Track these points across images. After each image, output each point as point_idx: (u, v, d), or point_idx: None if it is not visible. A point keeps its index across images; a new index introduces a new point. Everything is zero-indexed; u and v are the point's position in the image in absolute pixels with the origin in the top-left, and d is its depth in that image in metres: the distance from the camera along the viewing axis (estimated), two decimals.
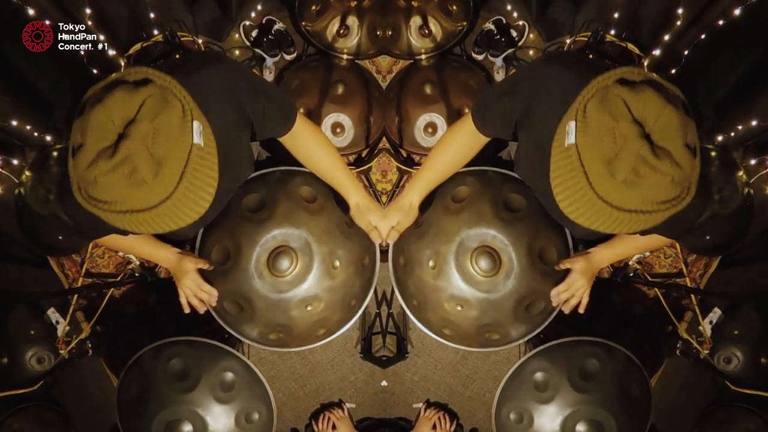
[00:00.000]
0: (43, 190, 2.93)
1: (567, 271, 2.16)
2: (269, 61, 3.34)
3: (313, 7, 3.28)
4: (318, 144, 2.01)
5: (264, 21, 3.36)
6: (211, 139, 1.40)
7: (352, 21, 3.25)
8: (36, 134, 3.02)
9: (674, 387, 3.35)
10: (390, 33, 3.29)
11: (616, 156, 1.26)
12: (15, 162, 3.03)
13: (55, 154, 3.03)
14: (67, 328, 2.93)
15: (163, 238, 2.14)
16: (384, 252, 2.30)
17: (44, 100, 3.07)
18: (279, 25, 3.33)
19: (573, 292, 2.14)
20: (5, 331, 2.98)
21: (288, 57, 3.42)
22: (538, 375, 2.58)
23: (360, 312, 2.22)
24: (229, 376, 2.56)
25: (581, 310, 2.18)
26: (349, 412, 3.22)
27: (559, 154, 1.36)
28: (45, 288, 3.33)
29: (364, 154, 3.29)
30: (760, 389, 2.71)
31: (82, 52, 2.90)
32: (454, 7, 3.27)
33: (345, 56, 3.29)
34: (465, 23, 3.29)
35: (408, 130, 3.14)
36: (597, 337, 2.59)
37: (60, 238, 3.01)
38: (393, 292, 2.30)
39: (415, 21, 3.25)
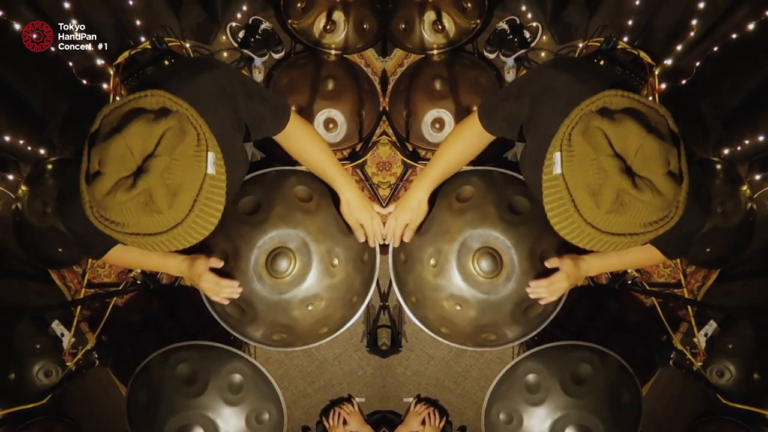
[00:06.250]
0: (40, 203, 2.93)
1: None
2: (258, 61, 3.33)
3: (299, 5, 3.28)
4: (311, 141, 2.02)
5: (250, 21, 3.35)
6: (221, 166, 1.44)
7: (338, 16, 3.25)
8: (30, 148, 3.03)
9: (665, 397, 3.35)
10: (403, 26, 3.29)
11: (600, 188, 1.31)
12: (10, 177, 3.03)
13: (50, 167, 3.02)
14: (73, 339, 2.92)
15: None
16: (384, 246, 2.30)
17: (36, 113, 3.07)
18: (265, 25, 3.33)
19: (551, 292, 2.09)
20: (11, 347, 2.97)
21: (276, 56, 3.41)
22: (530, 377, 2.59)
23: (362, 309, 2.22)
24: (237, 378, 2.57)
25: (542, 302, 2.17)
26: (359, 406, 3.22)
27: (549, 182, 1.42)
28: (48, 301, 3.33)
29: (358, 148, 3.29)
30: (750, 404, 2.71)
31: (71, 63, 2.89)
32: (469, 5, 3.26)
33: (333, 51, 3.29)
34: (479, 21, 3.29)
35: (415, 124, 3.14)
36: (591, 343, 2.60)
37: (60, 250, 3.01)
38: (390, 286, 2.29)
39: (429, 16, 3.24)
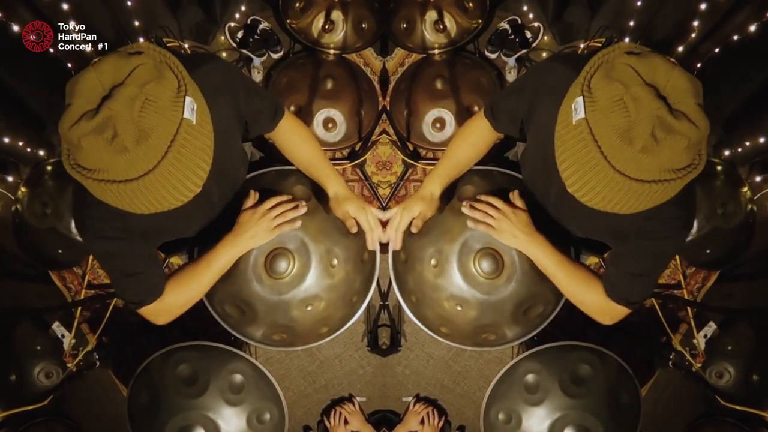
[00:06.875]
0: (39, 205, 2.91)
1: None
2: (256, 61, 3.33)
3: (297, 4, 3.29)
4: (302, 136, 2.01)
5: (249, 21, 3.35)
6: (207, 122, 1.37)
7: (337, 15, 3.26)
8: (29, 150, 3.02)
9: (664, 398, 3.36)
10: (404, 26, 3.29)
11: (632, 124, 1.23)
12: (10, 179, 3.02)
13: (49, 168, 3.01)
14: (73, 341, 2.91)
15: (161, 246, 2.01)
16: (384, 244, 2.29)
17: (35, 115, 3.06)
18: (264, 25, 3.33)
19: (494, 214, 1.93)
20: (11, 348, 2.96)
21: (275, 56, 3.41)
22: (530, 377, 2.59)
23: (362, 308, 2.21)
24: (238, 378, 2.58)
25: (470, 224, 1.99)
26: (360, 405, 3.23)
27: (567, 134, 1.33)
28: (48, 302, 3.33)
29: (357, 147, 3.29)
30: (749, 406, 2.71)
31: (70, 65, 2.89)
32: (471, 5, 3.26)
33: (332, 51, 3.29)
34: (480, 21, 3.29)
35: (416, 123, 3.14)
36: (590, 343, 2.60)
37: (60, 251, 3.00)
38: (390, 285, 2.29)
39: (431, 15, 3.24)
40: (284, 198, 1.98)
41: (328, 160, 2.04)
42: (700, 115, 1.24)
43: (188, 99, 1.31)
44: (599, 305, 1.88)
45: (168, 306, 1.88)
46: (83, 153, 1.23)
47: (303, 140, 2.02)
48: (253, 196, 1.94)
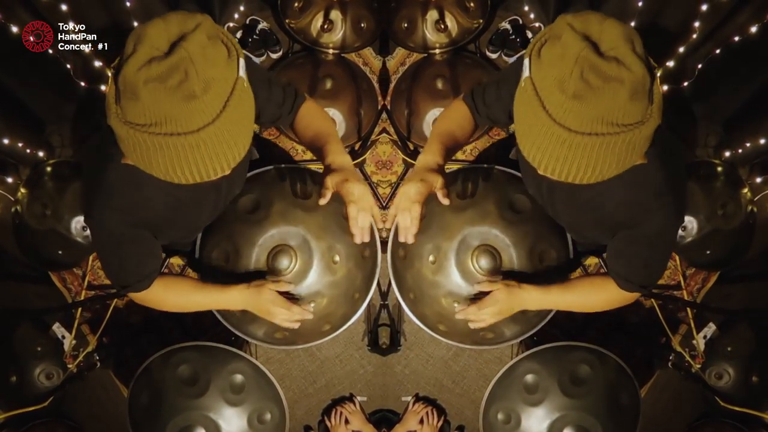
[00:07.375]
0: (39, 206, 2.89)
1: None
2: (255, 61, 3.33)
3: (296, 4, 3.28)
4: (313, 113, 1.94)
5: (247, 21, 3.34)
6: (251, 93, 1.37)
7: (336, 15, 3.25)
8: (28, 151, 3.01)
9: (664, 399, 3.35)
10: (405, 25, 3.29)
11: (564, 70, 1.22)
12: (9, 180, 3.02)
13: (49, 169, 3.00)
14: (74, 341, 2.89)
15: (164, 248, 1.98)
16: (384, 243, 2.30)
17: (34, 116, 3.06)
18: (263, 25, 3.33)
19: (479, 317, 2.01)
20: (12, 350, 2.96)
21: (274, 56, 3.41)
22: (529, 377, 2.59)
23: (364, 305, 2.21)
24: (239, 378, 2.57)
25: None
26: (361, 405, 3.23)
27: (518, 98, 1.34)
28: (48, 303, 3.32)
29: (357, 146, 3.29)
30: (749, 407, 2.71)
31: (69, 66, 2.89)
32: (472, 4, 3.26)
33: (331, 51, 3.29)
34: (481, 21, 3.29)
35: (417, 123, 3.14)
36: (590, 343, 2.60)
37: (60, 252, 2.99)
38: (390, 284, 2.29)
39: (432, 15, 3.24)
40: (309, 312, 2.07)
41: (336, 136, 1.88)
42: (634, 60, 1.22)
43: (242, 60, 1.33)
44: (615, 299, 1.91)
45: (147, 301, 1.94)
46: (140, 104, 1.22)
47: (314, 117, 1.93)
48: (287, 285, 2.09)
